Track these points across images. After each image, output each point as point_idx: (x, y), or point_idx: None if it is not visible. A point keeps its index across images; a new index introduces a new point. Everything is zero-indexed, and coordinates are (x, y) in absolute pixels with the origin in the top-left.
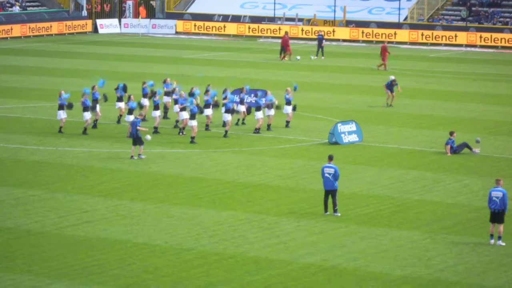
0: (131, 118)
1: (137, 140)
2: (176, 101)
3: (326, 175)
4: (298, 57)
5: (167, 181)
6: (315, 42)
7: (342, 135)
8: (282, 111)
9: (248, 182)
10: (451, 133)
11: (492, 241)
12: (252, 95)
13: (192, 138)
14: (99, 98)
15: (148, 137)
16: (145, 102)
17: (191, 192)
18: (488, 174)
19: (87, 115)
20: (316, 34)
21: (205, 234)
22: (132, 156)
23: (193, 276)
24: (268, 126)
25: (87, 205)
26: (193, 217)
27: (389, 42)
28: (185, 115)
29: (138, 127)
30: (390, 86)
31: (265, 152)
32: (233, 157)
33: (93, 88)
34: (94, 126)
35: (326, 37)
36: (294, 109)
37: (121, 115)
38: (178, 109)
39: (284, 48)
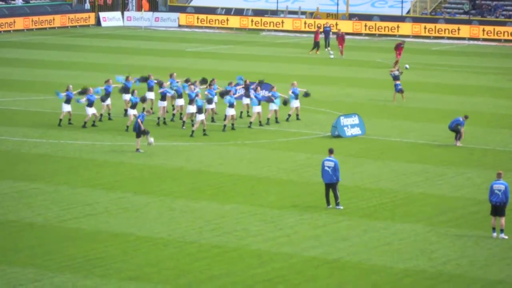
0: (133, 112)
1: (139, 133)
2: (180, 95)
3: (326, 168)
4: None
5: (169, 174)
6: (322, 35)
7: (345, 128)
8: (290, 105)
9: (251, 175)
10: (466, 117)
11: (495, 234)
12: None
13: (204, 130)
14: (111, 91)
15: (151, 140)
16: (150, 95)
17: (193, 185)
18: (490, 168)
19: (91, 111)
20: (320, 27)
21: (208, 227)
22: (137, 149)
23: (196, 269)
24: (273, 119)
25: (89, 198)
26: (195, 210)
27: (392, 36)
28: (192, 109)
29: (139, 120)
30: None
31: (268, 145)
32: (236, 150)
33: (107, 81)
34: (106, 118)
35: None
36: (306, 95)
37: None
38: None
39: (318, 43)
